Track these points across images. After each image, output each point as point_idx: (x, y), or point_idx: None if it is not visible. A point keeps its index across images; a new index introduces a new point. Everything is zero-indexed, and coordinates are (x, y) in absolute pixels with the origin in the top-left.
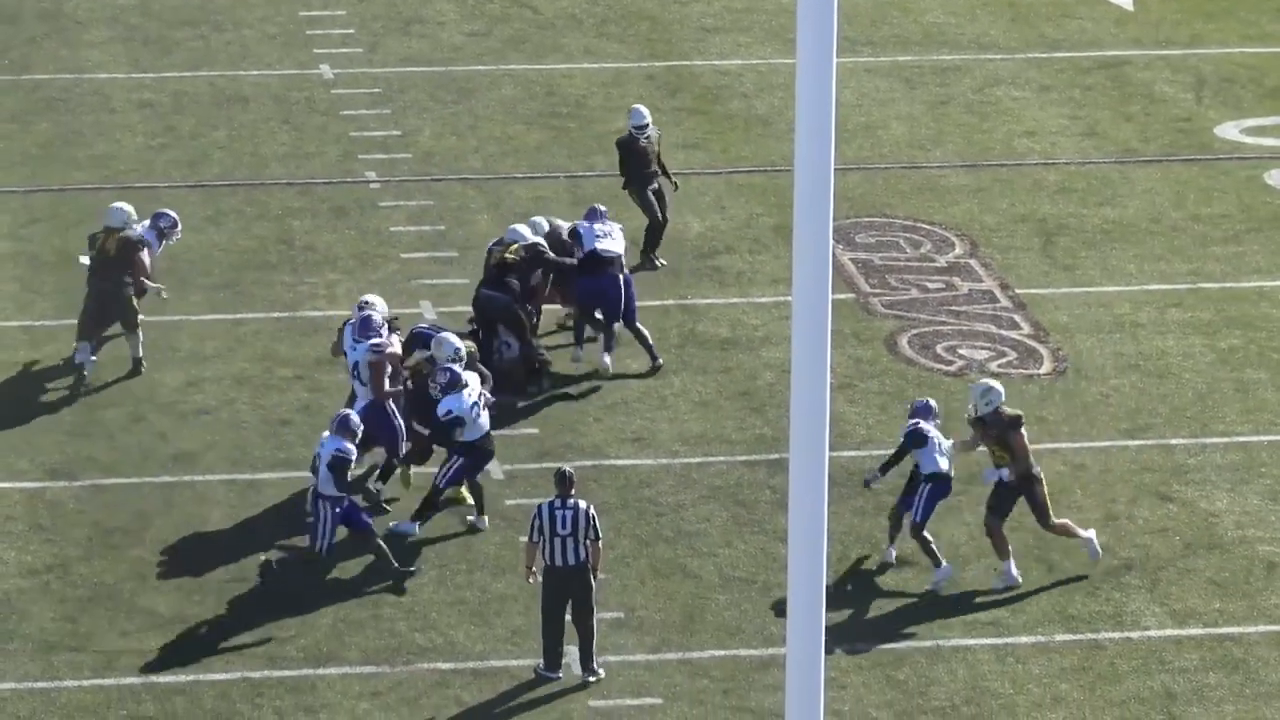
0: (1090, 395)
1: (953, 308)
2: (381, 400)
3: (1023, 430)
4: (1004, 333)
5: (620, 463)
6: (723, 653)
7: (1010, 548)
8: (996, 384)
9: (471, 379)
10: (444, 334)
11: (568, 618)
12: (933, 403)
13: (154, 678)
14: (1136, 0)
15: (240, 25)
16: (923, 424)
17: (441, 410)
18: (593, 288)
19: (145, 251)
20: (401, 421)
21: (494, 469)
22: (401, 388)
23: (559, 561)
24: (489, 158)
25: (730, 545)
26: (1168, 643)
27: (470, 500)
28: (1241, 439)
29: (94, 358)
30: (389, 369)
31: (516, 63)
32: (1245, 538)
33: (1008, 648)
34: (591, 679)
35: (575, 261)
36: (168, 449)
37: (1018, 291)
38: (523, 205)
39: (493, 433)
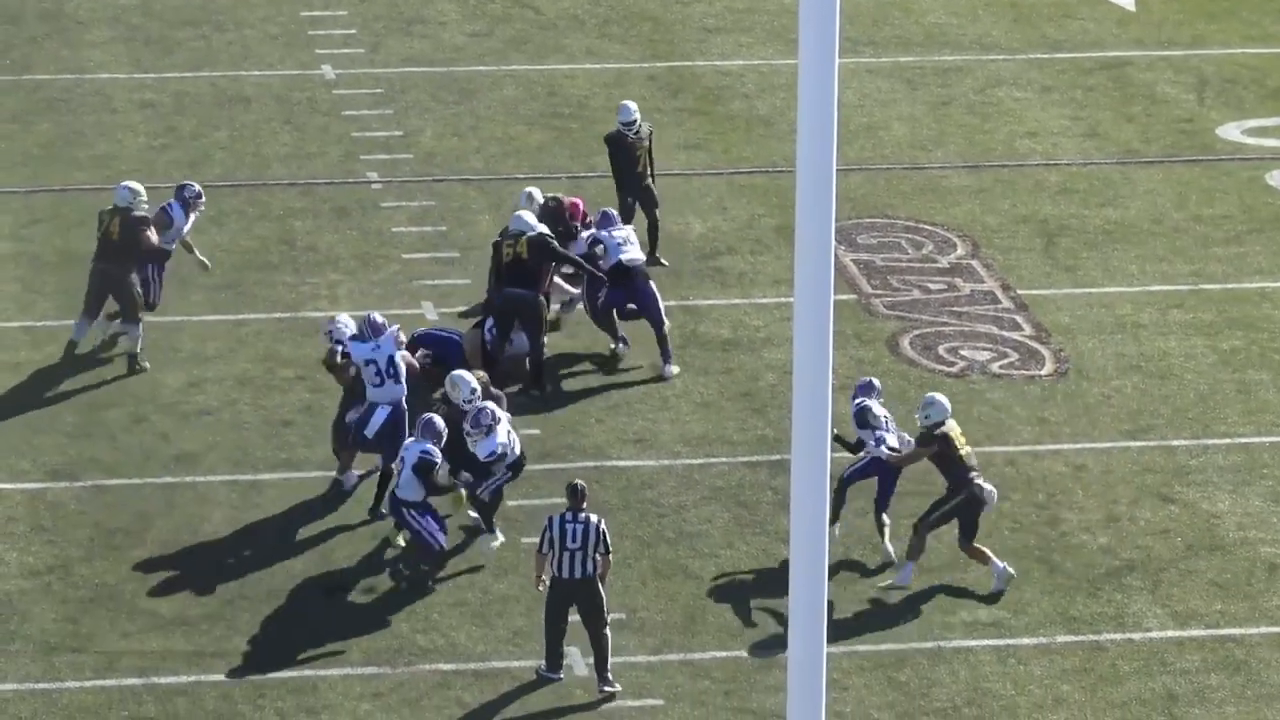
0: (1092, 396)
1: (954, 309)
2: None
3: (958, 450)
4: (1006, 334)
5: (622, 464)
6: (724, 654)
7: (988, 550)
8: (939, 398)
9: (498, 412)
10: (458, 374)
11: (575, 619)
12: (875, 381)
13: (155, 679)
14: (1138, 1)
15: (242, 25)
16: (868, 401)
17: (484, 453)
18: (624, 299)
19: (150, 231)
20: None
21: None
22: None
23: (566, 574)
24: (491, 158)
25: (732, 546)
26: (1169, 644)
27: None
28: (1243, 440)
29: (86, 332)
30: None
31: (518, 63)
32: (1247, 539)
33: (1009, 649)
34: (608, 688)
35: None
36: (169, 450)
37: (1019, 292)
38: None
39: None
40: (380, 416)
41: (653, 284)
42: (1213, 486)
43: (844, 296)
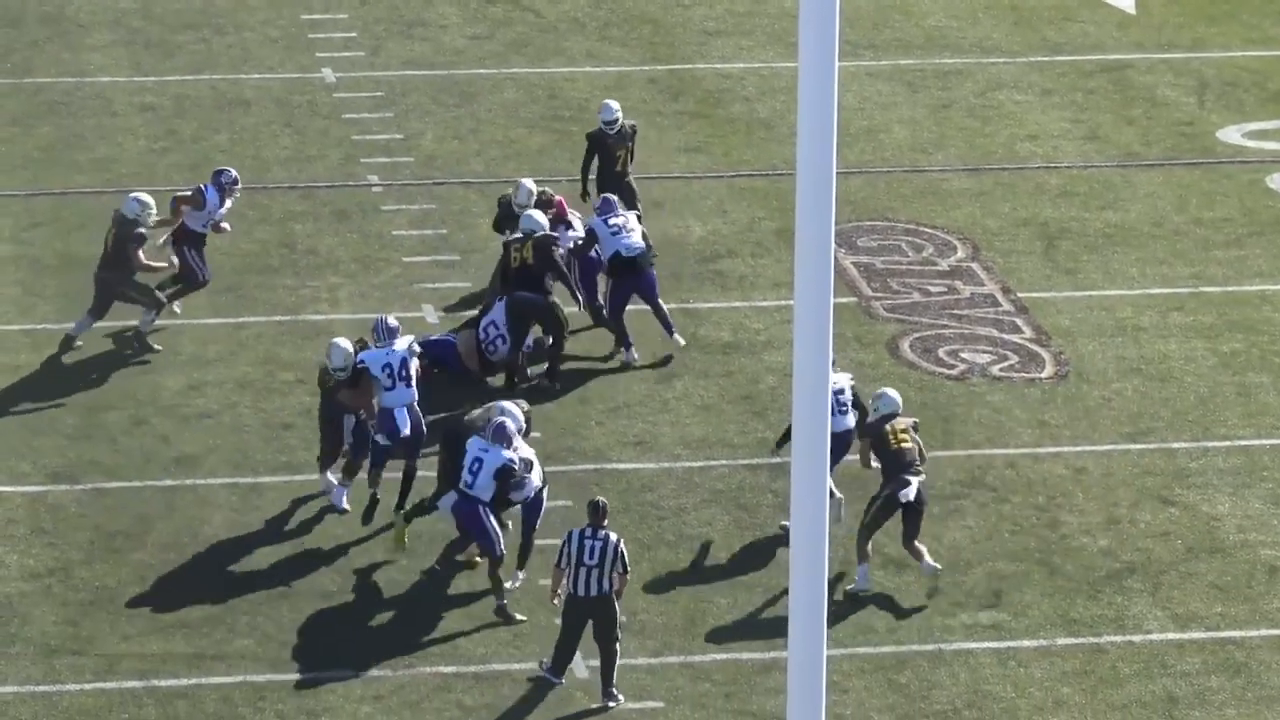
0: (1092, 399)
1: (955, 311)
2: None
3: (889, 446)
4: (1006, 336)
5: (622, 466)
6: (724, 656)
7: (924, 549)
8: (889, 393)
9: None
10: (507, 405)
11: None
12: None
13: (156, 681)
14: (1139, 3)
15: (242, 28)
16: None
17: (494, 464)
18: (629, 292)
19: (140, 250)
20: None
21: None
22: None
23: (582, 591)
24: (491, 161)
25: (731, 549)
26: (1169, 646)
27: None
28: (1243, 443)
29: (85, 330)
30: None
31: (519, 66)
32: (1247, 541)
33: (1009, 651)
34: (611, 704)
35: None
36: (169, 452)
37: (1019, 295)
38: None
39: None
40: (403, 418)
41: (653, 270)
42: (1213, 489)
43: (844, 299)
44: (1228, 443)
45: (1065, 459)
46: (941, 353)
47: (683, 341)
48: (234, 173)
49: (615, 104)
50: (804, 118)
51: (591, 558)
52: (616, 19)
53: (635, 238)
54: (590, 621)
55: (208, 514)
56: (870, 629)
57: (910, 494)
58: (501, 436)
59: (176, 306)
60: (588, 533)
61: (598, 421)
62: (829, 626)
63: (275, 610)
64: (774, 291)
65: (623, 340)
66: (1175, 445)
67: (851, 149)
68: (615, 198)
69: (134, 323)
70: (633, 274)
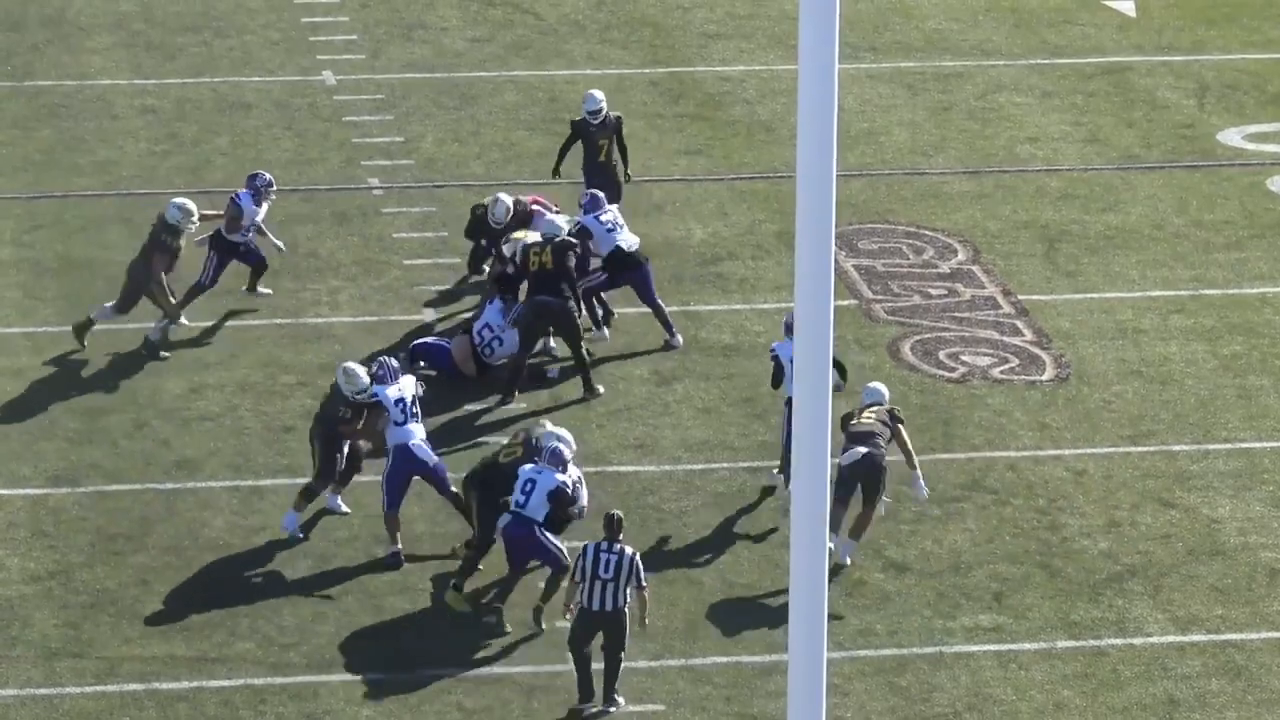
0: (1093, 401)
1: (955, 314)
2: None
3: (854, 421)
4: (1006, 339)
5: (623, 469)
6: (725, 659)
7: (868, 527)
8: (875, 385)
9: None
10: (553, 430)
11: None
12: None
13: (156, 684)
14: (1139, 6)
15: (243, 31)
16: (779, 349)
17: (549, 486)
18: (620, 283)
19: (160, 256)
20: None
21: None
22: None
23: (595, 605)
24: (491, 164)
25: (732, 552)
26: (1170, 649)
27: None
28: (1244, 445)
29: (105, 318)
30: None
31: (519, 69)
32: (1248, 544)
33: (1010, 654)
34: (612, 709)
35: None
36: (170, 455)
37: (1020, 298)
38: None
39: (494, 439)
40: (423, 451)
41: (649, 264)
42: (1214, 491)
43: (845, 302)
44: (1228, 445)
45: (1066, 461)
46: (942, 355)
47: (681, 341)
48: (268, 176)
49: (599, 94)
50: (804, 120)
51: (606, 571)
52: (617, 22)
53: (629, 233)
54: (600, 633)
55: (208, 517)
56: (871, 631)
57: (846, 459)
58: (556, 460)
59: (264, 289)
60: (603, 546)
61: (598, 424)
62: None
63: (276, 613)
64: (775, 294)
65: (595, 320)
66: (1176, 448)
67: (852, 151)
68: (601, 194)
69: (141, 325)
70: (630, 268)
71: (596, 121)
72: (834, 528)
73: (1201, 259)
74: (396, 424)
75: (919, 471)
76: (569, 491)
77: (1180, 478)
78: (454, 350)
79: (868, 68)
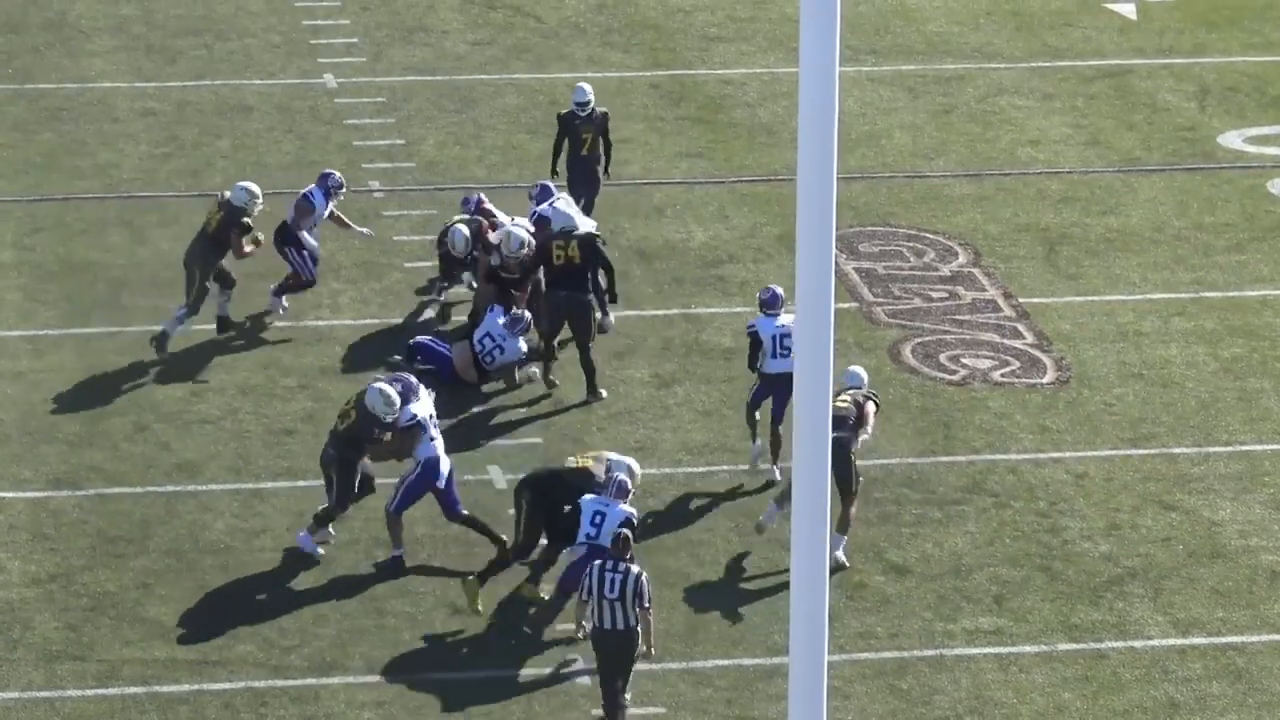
0: (1094, 404)
1: (956, 317)
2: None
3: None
4: (1007, 342)
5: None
6: (726, 662)
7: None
8: (854, 369)
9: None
10: (619, 460)
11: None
12: (778, 291)
13: (157, 687)
14: (1140, 9)
15: (244, 34)
16: (759, 325)
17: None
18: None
19: (242, 236)
20: None
21: (496, 478)
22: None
23: (606, 625)
24: (492, 167)
25: (733, 554)
26: (1171, 652)
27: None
28: (1245, 448)
29: (180, 326)
30: None
31: (520, 72)
32: (1248, 547)
33: (1011, 657)
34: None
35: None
36: (171, 458)
37: (1021, 301)
38: (523, 214)
39: (495, 441)
40: (446, 466)
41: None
42: (1214, 494)
43: (845, 305)
44: (1229, 448)
45: (1066, 464)
46: (943, 358)
47: (613, 321)
48: (339, 176)
49: (588, 87)
50: (805, 123)
51: (612, 590)
52: (618, 25)
53: (585, 217)
54: (618, 656)
55: (209, 520)
56: (872, 634)
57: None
58: (622, 493)
59: (285, 303)
60: (608, 565)
61: (599, 427)
62: (830, 631)
63: (277, 616)
64: None
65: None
66: (1176, 450)
67: (853, 154)
68: (550, 183)
69: (142, 328)
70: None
71: (583, 114)
72: (782, 501)
73: (1202, 262)
74: (428, 440)
75: (865, 438)
76: (635, 521)
77: (1181, 480)
78: (455, 358)
79: (869, 70)
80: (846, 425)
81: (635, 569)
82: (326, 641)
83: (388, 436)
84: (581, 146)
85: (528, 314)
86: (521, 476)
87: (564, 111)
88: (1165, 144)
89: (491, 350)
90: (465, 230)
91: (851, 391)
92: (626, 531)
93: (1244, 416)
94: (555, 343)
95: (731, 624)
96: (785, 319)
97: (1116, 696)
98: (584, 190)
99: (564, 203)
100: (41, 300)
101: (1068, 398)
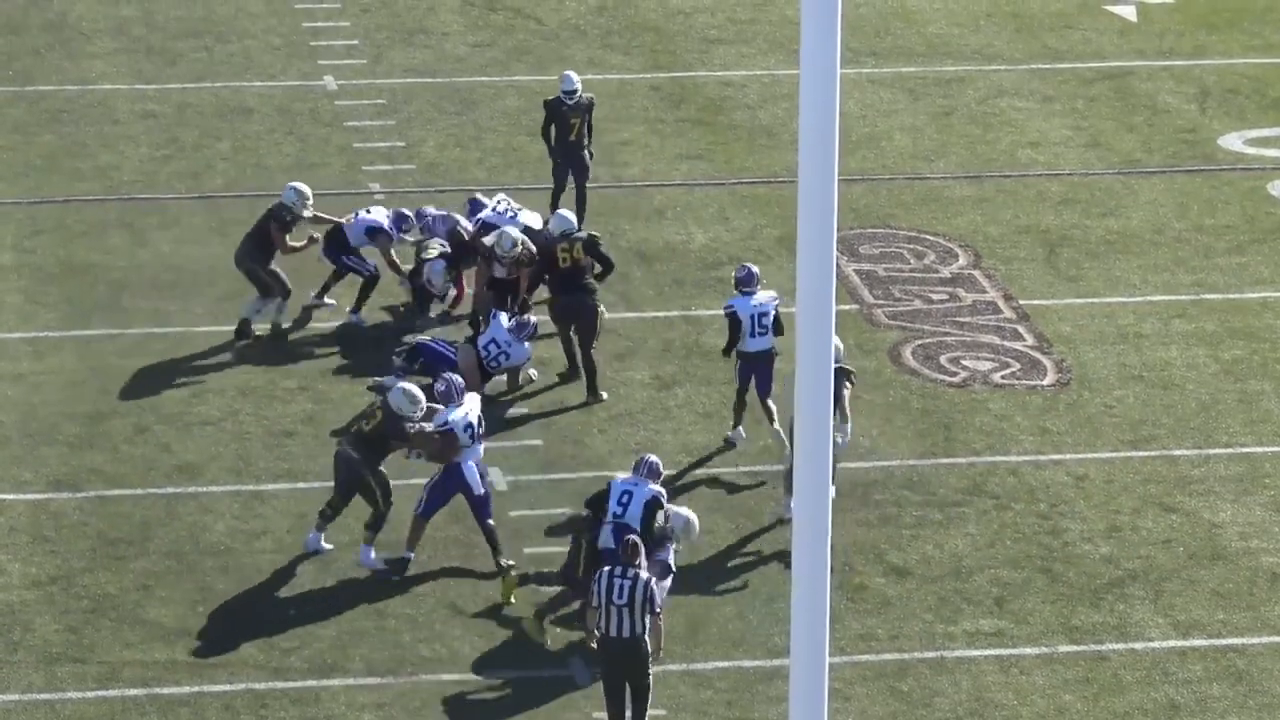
0: (1094, 406)
1: (956, 319)
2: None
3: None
4: (1008, 344)
5: (624, 473)
6: (727, 664)
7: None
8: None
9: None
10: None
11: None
12: (753, 269)
13: (158, 689)
14: (1140, 11)
15: (244, 36)
16: (737, 305)
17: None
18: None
19: (283, 232)
20: None
21: (498, 480)
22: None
23: (613, 632)
24: (493, 169)
25: (733, 556)
26: (1171, 654)
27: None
28: (1245, 450)
29: (259, 310)
30: None
31: (520, 74)
32: (1249, 549)
33: (1011, 659)
34: None
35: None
36: (171, 460)
37: (1021, 303)
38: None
39: (496, 443)
40: (473, 473)
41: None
42: (1215, 496)
43: (846, 307)
44: (1229, 450)
45: (1067, 466)
46: (943, 360)
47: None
48: (413, 220)
49: (575, 75)
50: (806, 125)
51: (620, 597)
52: (618, 27)
53: (529, 212)
54: (624, 665)
55: (210, 521)
56: (872, 636)
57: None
58: (653, 473)
59: (329, 300)
60: (616, 571)
61: (600, 429)
62: (830, 633)
63: (277, 618)
64: None
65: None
66: (1177, 452)
67: (853, 156)
68: (480, 196)
69: (143, 330)
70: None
71: (570, 101)
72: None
73: (1203, 264)
74: (464, 445)
75: (848, 426)
76: (663, 501)
77: (1181, 482)
78: (460, 362)
79: (869, 72)
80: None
81: (645, 575)
82: (327, 643)
83: (419, 435)
84: (569, 132)
85: (533, 319)
86: (585, 514)
87: (551, 98)
88: (1165, 146)
89: (497, 356)
90: (442, 265)
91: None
92: (635, 539)
93: (1244, 418)
94: (577, 360)
95: (732, 626)
96: (761, 296)
97: (1117, 698)
98: (575, 176)
99: (504, 202)
100: (42, 302)
101: (1068, 399)
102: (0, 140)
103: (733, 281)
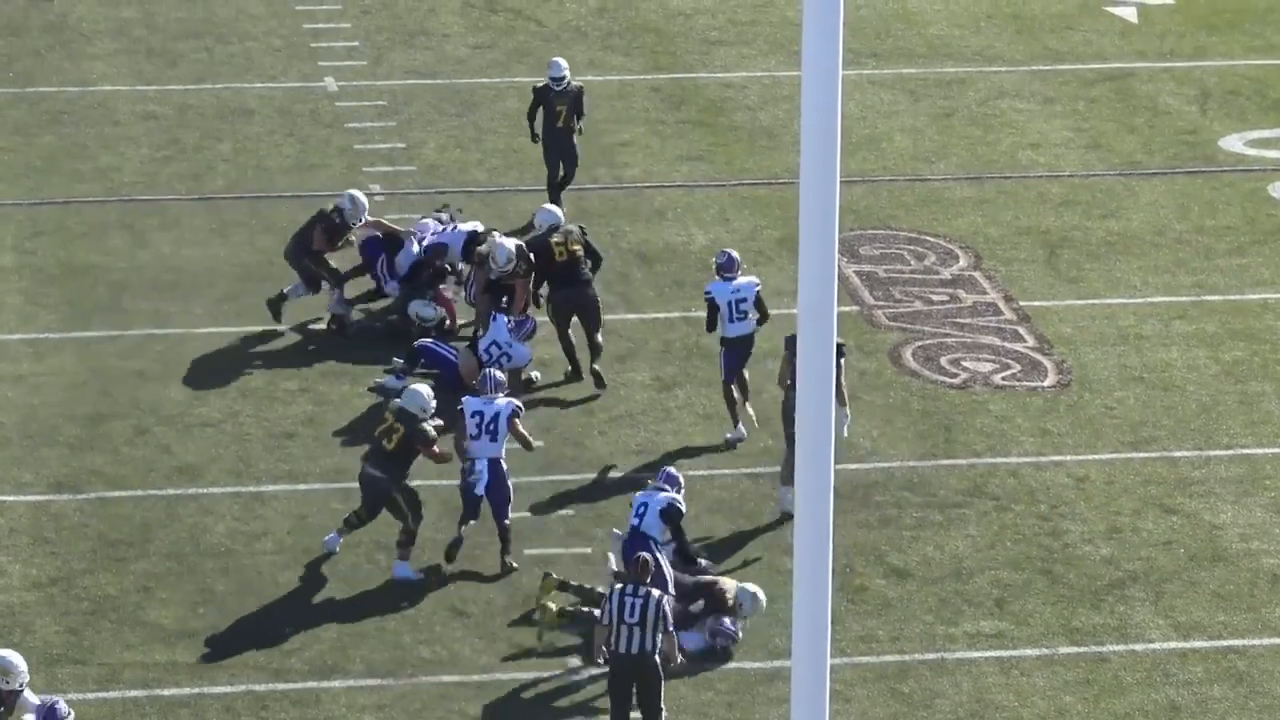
0: (1094, 408)
1: (957, 320)
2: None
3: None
4: (1008, 345)
5: (625, 475)
6: (727, 665)
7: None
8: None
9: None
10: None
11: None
12: (733, 254)
13: (158, 691)
14: (1141, 13)
15: (245, 38)
16: (714, 290)
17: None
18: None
19: (320, 231)
20: None
21: None
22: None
23: (624, 649)
24: (493, 170)
25: (734, 557)
26: (1172, 655)
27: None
28: (1245, 451)
29: (301, 293)
30: None
31: (521, 75)
32: (1249, 550)
33: (1012, 660)
34: None
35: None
36: (172, 461)
37: (1022, 304)
38: (526, 218)
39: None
40: (482, 472)
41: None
42: (1215, 498)
43: (847, 308)
44: (1230, 451)
45: (1067, 468)
46: (944, 361)
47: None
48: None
49: (564, 62)
50: (807, 126)
51: (632, 615)
52: (619, 28)
53: (473, 221)
54: (634, 682)
55: (210, 523)
56: (873, 637)
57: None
58: (672, 482)
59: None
60: (628, 589)
61: (600, 431)
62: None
63: (278, 619)
64: (777, 300)
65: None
66: (1177, 454)
67: (854, 157)
68: (429, 221)
69: (143, 332)
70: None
71: (559, 89)
72: (788, 480)
73: (1203, 265)
74: (472, 438)
75: (846, 410)
76: (680, 507)
77: (1182, 484)
78: (461, 365)
79: (870, 74)
80: None
81: (656, 593)
82: (327, 644)
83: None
84: (556, 119)
85: (533, 319)
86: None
87: (540, 84)
88: (1166, 147)
89: (499, 358)
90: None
91: None
92: (647, 555)
93: (1245, 420)
94: (578, 360)
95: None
96: (740, 281)
97: (1118, 700)
98: (563, 164)
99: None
100: (42, 304)
101: (1069, 401)
102: (1, 141)
103: (714, 267)
